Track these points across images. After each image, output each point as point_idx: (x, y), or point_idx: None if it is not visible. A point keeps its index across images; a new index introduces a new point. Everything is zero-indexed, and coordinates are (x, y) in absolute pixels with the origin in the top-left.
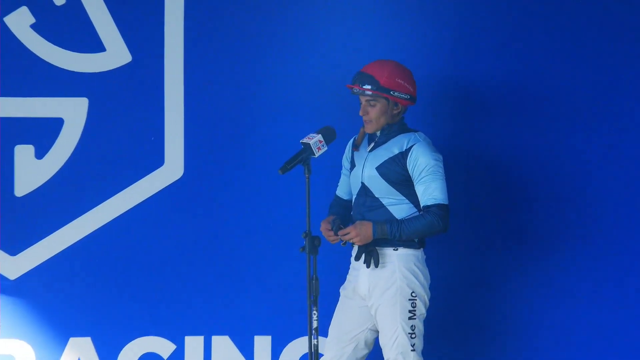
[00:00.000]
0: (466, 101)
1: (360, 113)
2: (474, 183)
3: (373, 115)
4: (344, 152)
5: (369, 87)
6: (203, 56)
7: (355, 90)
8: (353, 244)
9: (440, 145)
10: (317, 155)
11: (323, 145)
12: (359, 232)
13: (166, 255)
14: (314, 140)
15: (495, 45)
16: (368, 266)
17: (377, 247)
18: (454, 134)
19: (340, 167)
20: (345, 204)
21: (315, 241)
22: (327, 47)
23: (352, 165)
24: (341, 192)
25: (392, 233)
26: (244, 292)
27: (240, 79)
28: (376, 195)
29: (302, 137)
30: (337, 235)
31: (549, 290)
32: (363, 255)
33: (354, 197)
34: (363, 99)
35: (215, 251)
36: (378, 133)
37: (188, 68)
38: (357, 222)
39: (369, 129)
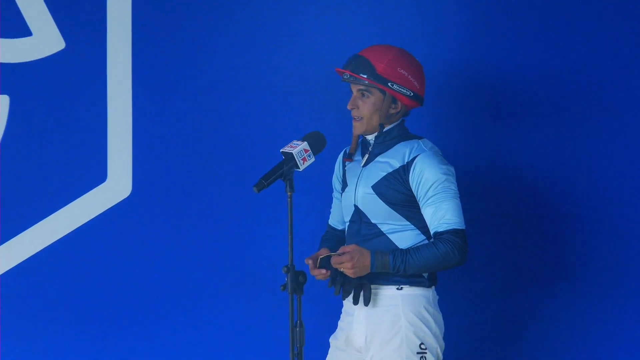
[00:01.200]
0: (478, 101)
1: (349, 106)
2: (490, 201)
3: (364, 110)
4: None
5: (362, 74)
6: (155, 44)
7: (345, 77)
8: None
9: (447, 155)
10: (302, 168)
11: (309, 156)
12: (355, 264)
13: (108, 291)
14: (298, 149)
15: (510, 37)
16: (356, 303)
17: (375, 285)
18: (461, 140)
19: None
20: (342, 236)
21: (299, 277)
22: (313, 34)
23: (344, 185)
24: (334, 220)
25: (394, 266)
26: (209, 341)
27: (202, 73)
28: (373, 221)
29: (283, 146)
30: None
31: (595, 338)
32: (352, 291)
33: (346, 224)
34: (354, 89)
35: (171, 288)
36: (371, 141)
37: (137, 58)
38: (354, 247)
39: (357, 128)
